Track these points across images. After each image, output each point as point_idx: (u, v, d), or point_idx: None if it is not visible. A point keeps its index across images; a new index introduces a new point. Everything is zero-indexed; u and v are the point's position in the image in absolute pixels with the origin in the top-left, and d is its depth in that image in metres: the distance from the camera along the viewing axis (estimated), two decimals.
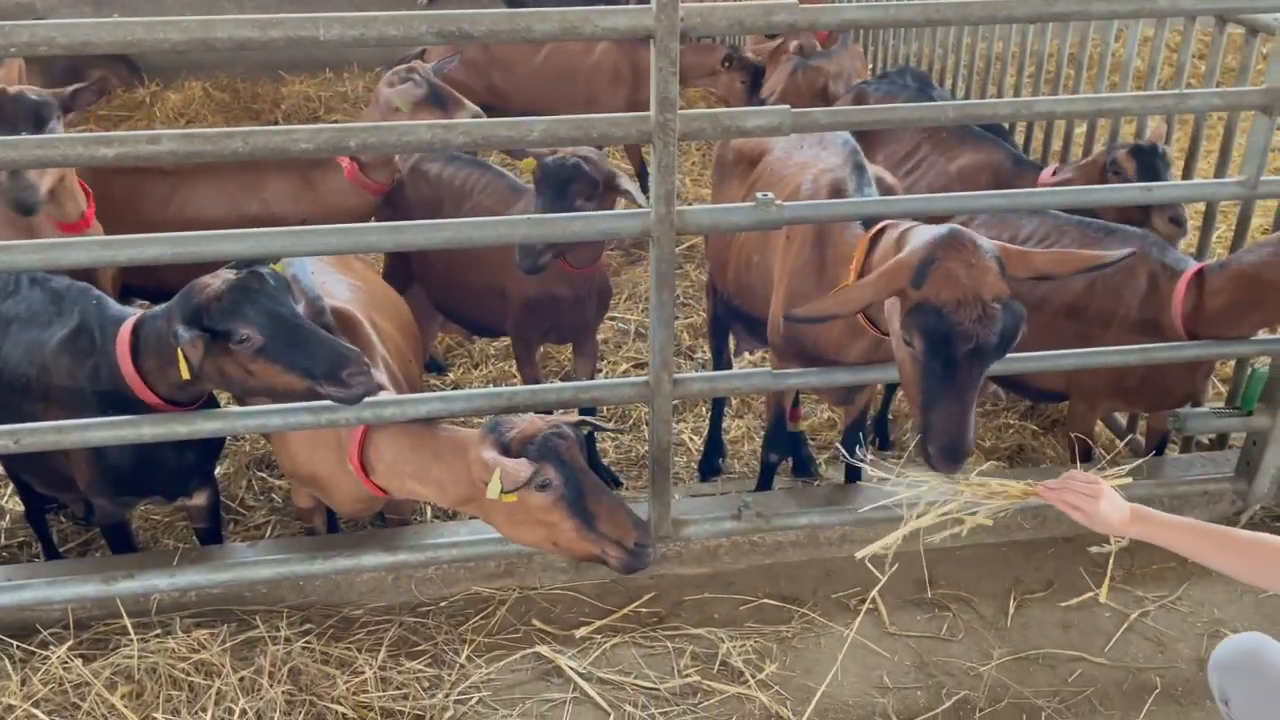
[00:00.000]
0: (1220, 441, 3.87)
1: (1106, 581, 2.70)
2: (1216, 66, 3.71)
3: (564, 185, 3.32)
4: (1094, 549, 2.49)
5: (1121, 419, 4.13)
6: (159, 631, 3.06)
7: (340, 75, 9.04)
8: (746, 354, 4.69)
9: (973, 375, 2.48)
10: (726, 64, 5.86)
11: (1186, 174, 3.70)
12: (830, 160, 3.39)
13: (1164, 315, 3.18)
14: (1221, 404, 3.62)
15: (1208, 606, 3.30)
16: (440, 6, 2.65)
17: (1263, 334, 3.45)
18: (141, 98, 8.83)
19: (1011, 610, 3.31)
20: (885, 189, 3.33)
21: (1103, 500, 2.26)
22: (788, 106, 2.64)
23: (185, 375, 2.63)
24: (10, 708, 2.80)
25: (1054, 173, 3.94)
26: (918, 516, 2.51)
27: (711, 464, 4.27)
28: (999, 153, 4.21)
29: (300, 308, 3.11)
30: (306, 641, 3.11)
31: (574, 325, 3.86)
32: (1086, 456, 3.57)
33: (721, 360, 4.40)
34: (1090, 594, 3.33)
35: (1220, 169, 3.57)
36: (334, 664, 3.06)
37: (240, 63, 9.05)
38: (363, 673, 3.02)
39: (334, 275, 3.27)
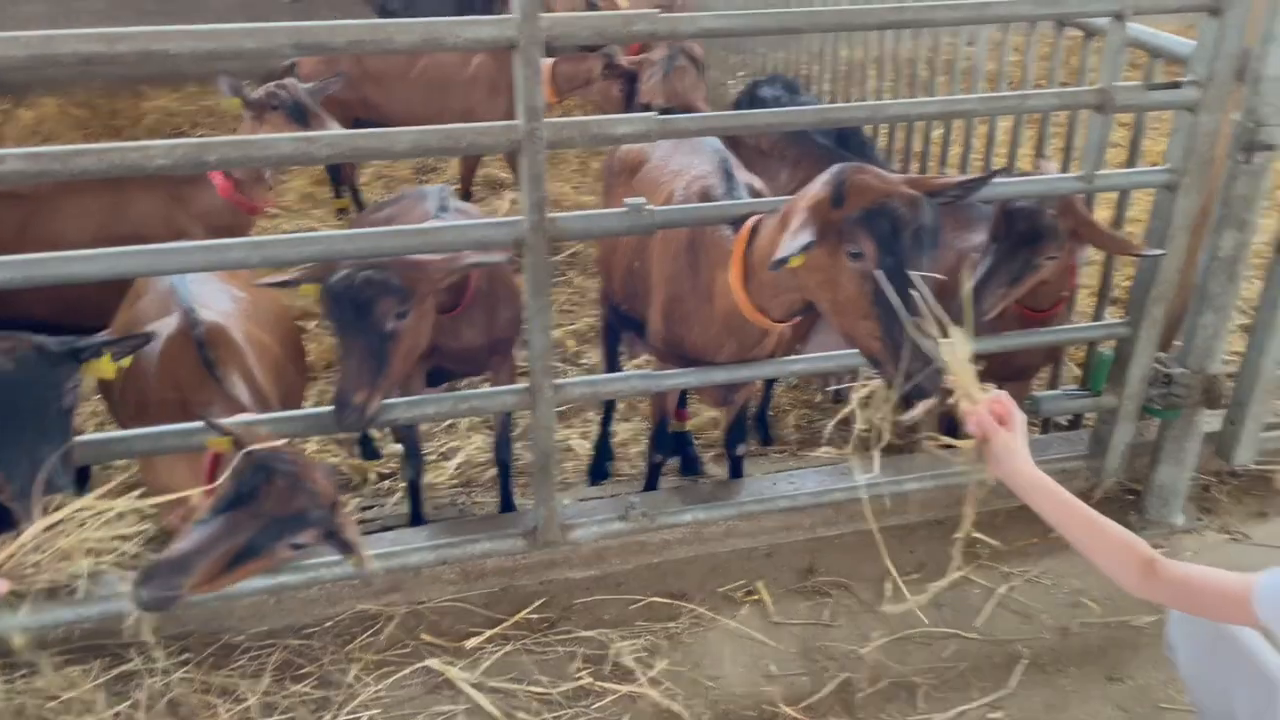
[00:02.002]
0: (1076, 422, 4.10)
1: (967, 521, 2.38)
2: (1058, 68, 3.94)
3: (364, 307, 2.72)
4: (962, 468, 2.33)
5: None
6: (24, 671, 2.93)
7: (205, 89, 8.77)
8: (636, 359, 4.76)
9: (921, 272, 2.39)
10: (606, 72, 5.91)
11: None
12: (701, 167, 3.47)
13: None
14: (1075, 386, 3.84)
15: (1068, 578, 3.48)
16: (310, 16, 2.58)
17: (1110, 318, 3.68)
18: None
19: (888, 593, 3.44)
20: (754, 194, 3.43)
21: (1013, 431, 2.21)
22: (655, 113, 2.70)
23: None
24: None
25: None
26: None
27: (600, 468, 4.31)
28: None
29: (175, 319, 3.04)
30: (186, 672, 3.03)
31: (462, 357, 3.55)
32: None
33: (614, 366, 4.44)
34: (959, 573, 3.48)
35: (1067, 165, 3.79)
36: (215, 693, 2.98)
37: (98, 78, 8.70)
38: (245, 699, 2.96)
39: (215, 286, 3.20)
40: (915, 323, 2.29)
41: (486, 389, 3.15)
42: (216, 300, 3.16)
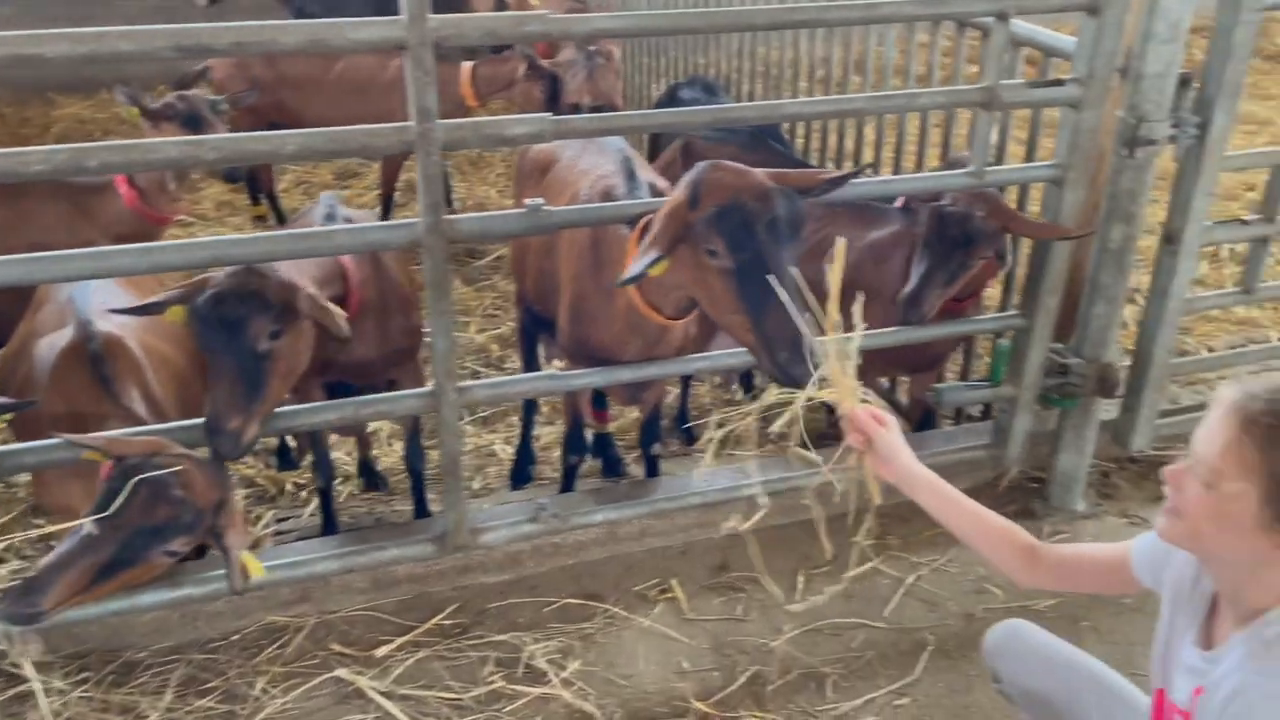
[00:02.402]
0: (987, 413, 4.19)
1: (864, 529, 2.48)
2: (960, 67, 4.03)
3: (236, 326, 2.57)
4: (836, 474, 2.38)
5: (902, 399, 4.42)
6: None
7: (140, 95, 8.55)
8: (555, 361, 4.75)
9: (782, 264, 2.45)
10: (528, 74, 5.90)
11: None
12: (605, 167, 3.48)
13: None
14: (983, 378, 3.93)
15: (973, 566, 3.55)
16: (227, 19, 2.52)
17: (1012, 311, 3.77)
18: None
19: (800, 586, 3.48)
20: (656, 193, 3.45)
21: (892, 431, 2.25)
22: (549, 114, 2.70)
23: None
24: None
25: None
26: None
27: (522, 472, 4.29)
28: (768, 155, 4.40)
29: (70, 330, 2.97)
30: (84, 691, 2.95)
31: (358, 370, 3.43)
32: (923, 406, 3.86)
33: (532, 367, 4.42)
34: (870, 564, 3.54)
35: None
36: (115, 711, 2.91)
37: (6, 84, 8.46)
38: (147, 716, 2.89)
39: (118, 296, 3.12)
40: (794, 318, 2.34)
41: (390, 394, 3.12)
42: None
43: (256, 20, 2.39)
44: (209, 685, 3.06)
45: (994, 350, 3.71)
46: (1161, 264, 3.46)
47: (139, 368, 3.04)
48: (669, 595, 3.45)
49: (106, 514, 2.39)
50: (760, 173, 2.56)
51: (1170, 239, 3.40)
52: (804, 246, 2.58)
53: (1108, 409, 3.78)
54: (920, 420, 4.00)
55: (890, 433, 2.26)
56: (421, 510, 3.81)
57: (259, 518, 3.92)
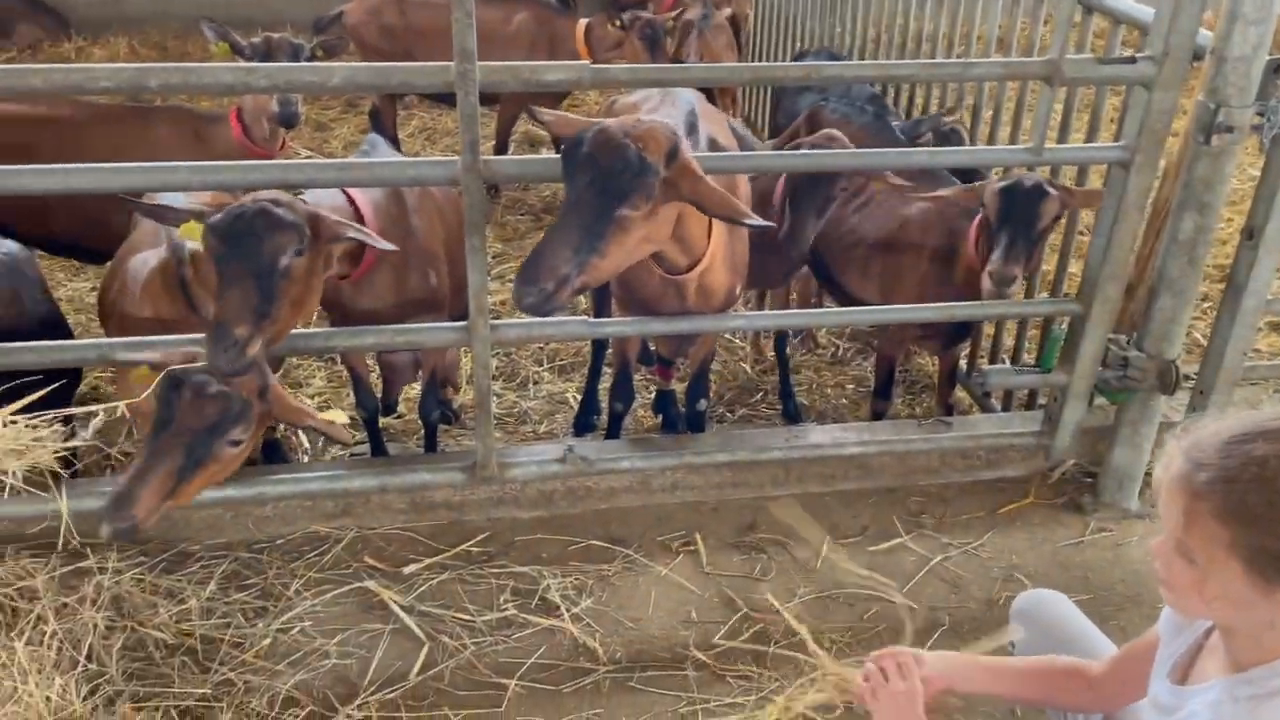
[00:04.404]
0: (1032, 402, 4.07)
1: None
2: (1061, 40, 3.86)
3: (261, 237, 2.54)
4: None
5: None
6: None
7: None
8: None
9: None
10: (618, 24, 5.94)
11: (994, 140, 3.89)
12: (672, 118, 3.52)
13: (962, 246, 3.50)
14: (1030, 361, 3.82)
15: (1006, 553, 3.48)
16: None
17: (1068, 296, 3.64)
18: (67, 52, 8.81)
19: (823, 553, 3.48)
20: (715, 147, 3.48)
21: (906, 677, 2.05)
22: (588, 62, 2.75)
23: None
24: None
25: None
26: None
27: (585, 422, 4.40)
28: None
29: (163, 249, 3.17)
30: (138, 573, 3.23)
31: (375, 320, 3.31)
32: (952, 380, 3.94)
33: (602, 314, 4.49)
34: (898, 540, 3.51)
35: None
36: (162, 594, 3.17)
37: (172, 18, 9.03)
38: (187, 602, 3.14)
39: None
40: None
41: (425, 324, 3.26)
42: None
43: None
44: (249, 581, 3.30)
45: (1046, 335, 3.59)
46: (1240, 259, 3.27)
47: None
48: (691, 548, 3.50)
49: (164, 423, 2.60)
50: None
51: (1251, 233, 3.21)
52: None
53: (1175, 409, 3.61)
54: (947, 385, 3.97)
55: (905, 679, 2.04)
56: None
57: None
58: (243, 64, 3.72)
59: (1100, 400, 3.65)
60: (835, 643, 3.14)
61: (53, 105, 4.30)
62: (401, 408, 4.26)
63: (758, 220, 2.71)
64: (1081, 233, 4.05)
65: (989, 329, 4.30)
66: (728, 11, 6.34)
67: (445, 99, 6.74)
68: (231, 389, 2.62)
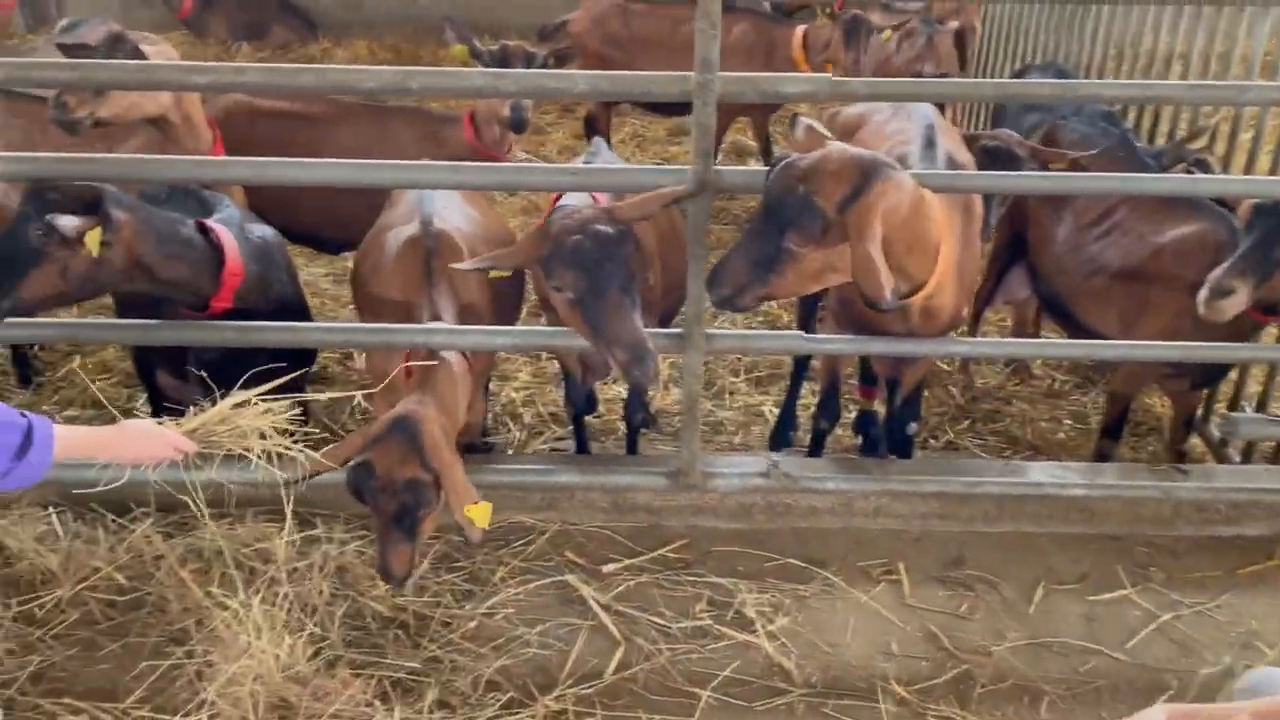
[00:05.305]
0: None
1: None
2: None
3: (615, 254, 2.77)
4: None
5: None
6: (231, 520, 3.41)
7: (497, 40, 9.41)
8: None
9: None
10: (828, 12, 5.86)
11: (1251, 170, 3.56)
12: (907, 133, 3.44)
13: None
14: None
15: (1245, 617, 3.19)
16: None
17: None
18: (314, 53, 9.48)
19: (1037, 598, 3.29)
20: (953, 165, 3.36)
21: None
22: (827, 75, 2.72)
23: None
24: (96, 569, 3.21)
25: None
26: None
27: (783, 436, 4.34)
28: None
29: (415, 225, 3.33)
30: (360, 546, 3.41)
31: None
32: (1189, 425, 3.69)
33: (805, 329, 4.44)
34: (1122, 591, 3.28)
35: None
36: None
37: (410, 22, 9.55)
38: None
39: (455, 204, 3.41)
40: None
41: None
42: (452, 215, 3.39)
43: None
44: (459, 564, 3.43)
45: None
46: None
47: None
48: (894, 578, 3.39)
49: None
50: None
51: None
52: None
53: None
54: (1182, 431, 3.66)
55: None
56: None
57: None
58: (492, 69, 3.86)
59: None
60: (1046, 694, 2.97)
61: (308, 103, 4.60)
62: (601, 408, 4.34)
63: (888, 300, 2.66)
64: None
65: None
66: (955, 24, 6.14)
67: (659, 107, 6.87)
68: (420, 485, 2.78)
